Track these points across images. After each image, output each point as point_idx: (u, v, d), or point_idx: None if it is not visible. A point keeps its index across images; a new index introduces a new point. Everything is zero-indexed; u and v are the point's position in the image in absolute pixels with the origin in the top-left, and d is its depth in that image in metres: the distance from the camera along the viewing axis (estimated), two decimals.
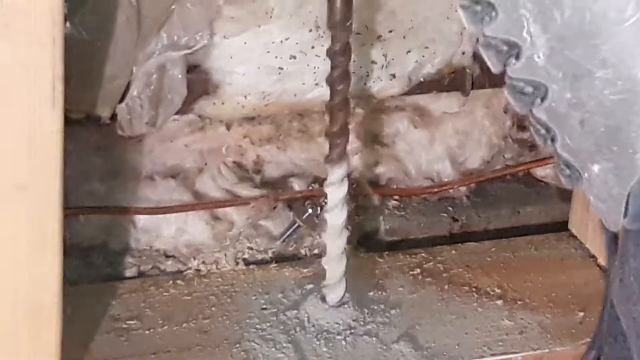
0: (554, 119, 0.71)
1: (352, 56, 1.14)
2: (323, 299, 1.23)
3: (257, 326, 1.22)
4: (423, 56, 1.33)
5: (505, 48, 0.70)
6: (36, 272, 1.00)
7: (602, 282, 1.28)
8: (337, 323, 1.22)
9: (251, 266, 1.35)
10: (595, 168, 0.71)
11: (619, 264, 0.77)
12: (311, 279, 1.29)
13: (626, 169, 0.69)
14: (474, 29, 0.71)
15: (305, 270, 1.31)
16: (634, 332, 0.77)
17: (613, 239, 0.79)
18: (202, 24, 1.21)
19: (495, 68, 0.71)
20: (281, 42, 1.27)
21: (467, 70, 1.36)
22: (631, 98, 0.67)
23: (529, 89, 0.71)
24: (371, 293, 1.27)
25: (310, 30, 1.27)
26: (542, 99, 0.71)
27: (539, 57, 0.70)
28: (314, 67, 1.28)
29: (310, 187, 1.39)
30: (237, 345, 1.19)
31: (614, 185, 0.71)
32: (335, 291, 1.22)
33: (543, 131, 0.73)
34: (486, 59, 0.71)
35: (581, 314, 1.25)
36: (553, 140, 0.73)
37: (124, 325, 1.21)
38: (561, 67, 0.69)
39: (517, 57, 0.70)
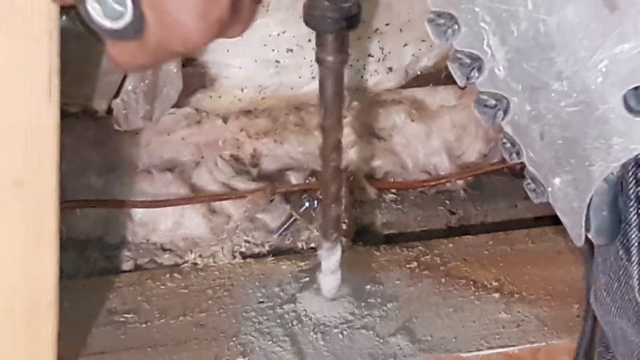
0: (517, 132, 0.71)
1: (349, 49, 1.15)
2: (320, 292, 1.23)
3: (254, 319, 1.22)
4: (420, 49, 1.33)
5: (468, 61, 0.70)
6: (33, 266, 1.00)
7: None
8: (334, 316, 1.22)
9: (248, 259, 1.34)
10: (557, 181, 0.71)
11: (594, 279, 0.77)
12: (308, 272, 1.29)
13: (583, 182, 0.69)
14: (439, 43, 0.70)
15: (302, 264, 1.31)
16: (620, 342, 0.77)
17: (589, 249, 0.79)
18: None
19: (460, 81, 0.71)
20: (278, 35, 1.27)
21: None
22: (586, 110, 0.66)
23: (492, 102, 0.70)
24: (368, 286, 1.27)
25: None
26: (505, 112, 0.71)
27: (499, 69, 0.69)
28: (311, 61, 1.27)
29: (307, 181, 1.39)
30: (234, 339, 1.19)
31: (573, 198, 0.70)
32: (330, 283, 1.22)
33: (509, 145, 0.72)
34: (452, 73, 0.71)
35: (578, 307, 1.25)
36: (518, 154, 0.72)
37: (121, 319, 1.21)
38: (520, 80, 0.69)
39: (480, 70, 0.70)
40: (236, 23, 0.74)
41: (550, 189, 0.72)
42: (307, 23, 1.07)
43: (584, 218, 0.71)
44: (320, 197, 1.24)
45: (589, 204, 0.70)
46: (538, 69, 0.67)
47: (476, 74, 0.70)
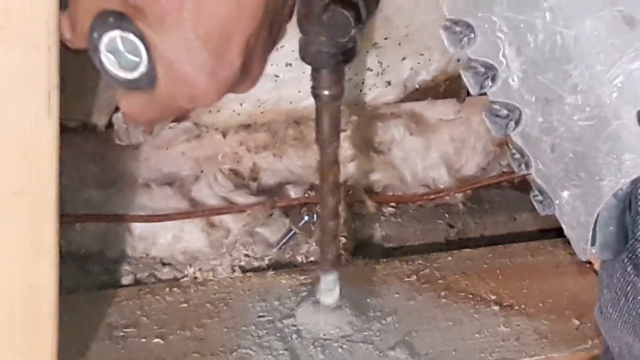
0: (528, 144, 0.71)
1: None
2: (319, 306, 1.23)
3: (254, 333, 1.22)
4: (418, 63, 1.34)
5: (482, 70, 0.70)
6: (32, 280, 1.00)
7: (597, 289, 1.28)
8: (333, 330, 1.21)
9: (248, 273, 1.34)
10: (565, 194, 0.71)
11: (598, 294, 0.77)
12: (308, 286, 1.29)
13: (592, 196, 0.69)
14: (454, 51, 0.70)
15: (301, 278, 1.31)
16: (626, 356, 0.77)
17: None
18: None
19: (473, 90, 0.71)
20: (276, 49, 1.27)
21: (463, 78, 1.36)
22: (599, 125, 0.66)
23: (504, 112, 0.70)
24: (367, 300, 1.27)
25: None
26: (517, 123, 0.70)
27: (513, 80, 0.69)
28: (310, 75, 1.28)
29: (307, 195, 1.39)
30: (234, 353, 1.19)
31: (581, 212, 0.70)
32: (329, 297, 1.22)
33: (518, 155, 0.72)
34: (465, 81, 0.71)
35: (577, 320, 1.25)
36: (527, 165, 0.72)
37: (120, 333, 1.21)
38: (534, 91, 0.69)
39: (494, 79, 0.70)
40: (246, 79, 0.74)
41: (557, 201, 0.72)
42: (303, 59, 1.07)
43: (590, 232, 0.71)
44: (320, 211, 1.24)
45: (596, 219, 0.70)
46: (553, 81, 0.67)
47: (489, 83, 0.70)
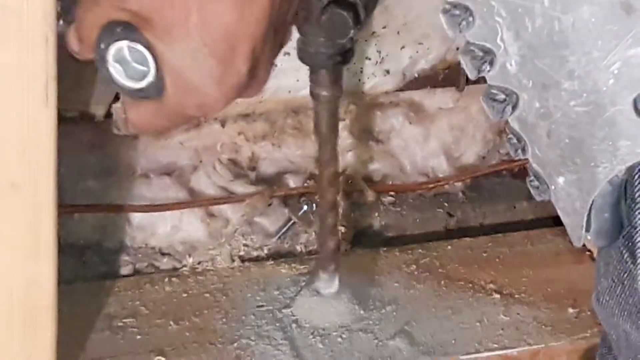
0: (524, 129, 0.71)
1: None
2: (319, 295, 1.23)
3: (253, 323, 1.22)
4: (417, 52, 1.33)
5: (480, 54, 0.70)
6: (31, 271, 1.00)
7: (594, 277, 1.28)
8: (333, 320, 1.21)
9: (247, 263, 1.34)
10: (561, 180, 0.71)
11: (595, 282, 0.77)
12: (307, 276, 1.28)
13: (588, 182, 0.69)
14: (452, 34, 0.70)
15: (301, 267, 1.31)
16: (623, 344, 0.77)
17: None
18: None
19: (471, 74, 0.71)
20: None
21: (462, 66, 1.36)
22: (594, 111, 0.66)
23: (502, 97, 0.70)
24: (367, 289, 1.27)
25: None
26: (514, 108, 0.70)
27: (511, 64, 0.69)
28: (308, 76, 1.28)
29: (306, 184, 1.39)
30: (234, 343, 1.19)
31: (576, 198, 0.70)
32: (329, 286, 1.22)
33: (515, 140, 0.72)
34: (463, 65, 0.71)
35: (577, 308, 1.25)
36: (524, 150, 0.72)
37: (120, 324, 1.21)
38: (531, 76, 0.68)
39: (491, 63, 0.70)
40: (253, 84, 0.74)
41: (553, 187, 0.72)
42: (301, 59, 1.07)
43: (585, 219, 0.71)
44: (318, 201, 1.24)
45: (591, 205, 0.70)
46: (550, 66, 0.67)
47: (487, 67, 0.70)
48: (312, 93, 1.10)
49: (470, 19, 0.69)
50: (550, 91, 0.68)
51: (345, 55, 1.06)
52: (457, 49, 1.35)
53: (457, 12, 0.69)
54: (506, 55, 0.69)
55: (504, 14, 0.68)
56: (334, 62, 1.06)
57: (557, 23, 0.66)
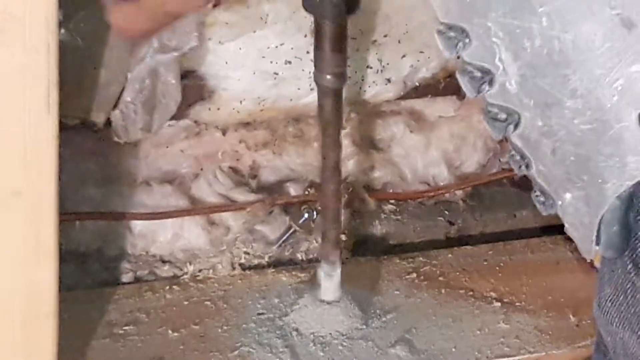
0: (527, 146, 0.71)
1: (348, 61, 1.15)
2: (320, 303, 1.23)
3: (254, 331, 1.22)
4: (418, 60, 1.34)
5: (479, 74, 0.70)
6: (32, 278, 1.00)
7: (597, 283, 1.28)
8: (333, 328, 1.21)
9: (247, 271, 1.34)
10: (568, 196, 0.71)
11: (598, 289, 0.77)
12: (308, 284, 1.28)
13: (596, 199, 0.69)
14: (449, 55, 0.70)
15: (301, 275, 1.31)
16: (620, 351, 0.77)
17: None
18: (190, 26, 1.21)
19: (470, 94, 0.71)
20: (276, 47, 1.27)
21: (459, 81, 1.36)
22: (600, 128, 0.66)
23: (503, 115, 0.70)
24: (367, 297, 1.27)
25: (305, 36, 1.27)
26: (516, 126, 0.70)
27: (511, 84, 0.69)
28: (309, 72, 1.27)
29: (306, 192, 1.39)
30: (235, 351, 1.19)
31: (584, 214, 0.70)
32: (330, 294, 1.22)
33: (518, 157, 0.72)
34: (461, 85, 0.71)
35: (577, 317, 1.25)
36: (528, 166, 0.72)
37: (120, 331, 1.21)
38: (532, 95, 0.68)
39: (491, 83, 0.70)
40: None
41: (560, 203, 0.72)
42: (306, 9, 1.06)
43: (595, 233, 0.70)
44: (319, 208, 1.24)
45: (600, 220, 0.70)
46: (552, 85, 0.67)
47: (487, 87, 0.70)
48: (315, 75, 1.09)
49: (467, 40, 0.69)
50: (552, 110, 0.68)
51: (351, 3, 1.05)
52: (458, 57, 1.35)
53: (453, 33, 0.70)
54: (506, 75, 0.69)
55: (502, 34, 0.68)
56: (339, 11, 1.05)
57: (557, 42, 0.66)
